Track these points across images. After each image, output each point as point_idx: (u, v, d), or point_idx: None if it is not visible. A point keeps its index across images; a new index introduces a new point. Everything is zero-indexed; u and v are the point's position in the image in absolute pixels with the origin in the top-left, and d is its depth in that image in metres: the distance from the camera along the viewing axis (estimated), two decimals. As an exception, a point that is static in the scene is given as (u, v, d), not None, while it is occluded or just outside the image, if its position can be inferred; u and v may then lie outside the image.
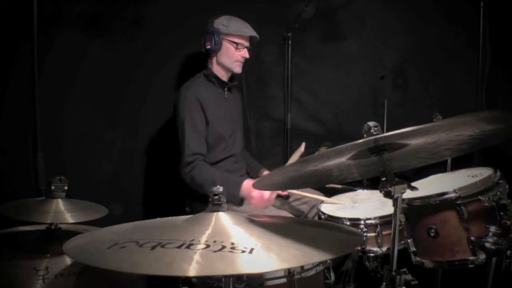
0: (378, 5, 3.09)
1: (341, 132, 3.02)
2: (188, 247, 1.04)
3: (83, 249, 1.16)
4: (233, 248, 1.04)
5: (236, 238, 1.10)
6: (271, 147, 2.97)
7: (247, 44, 2.42)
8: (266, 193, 2.11)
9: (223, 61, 2.41)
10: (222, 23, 2.38)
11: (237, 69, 2.43)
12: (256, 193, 2.11)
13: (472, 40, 3.02)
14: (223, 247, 1.05)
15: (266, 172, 2.58)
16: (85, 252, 1.14)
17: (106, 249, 1.08)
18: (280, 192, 2.39)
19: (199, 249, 1.03)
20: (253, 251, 1.04)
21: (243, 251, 1.03)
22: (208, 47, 2.38)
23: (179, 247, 1.04)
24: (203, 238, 1.09)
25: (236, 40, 2.38)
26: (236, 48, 2.38)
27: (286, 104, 2.90)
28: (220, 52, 2.39)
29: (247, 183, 2.17)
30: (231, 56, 2.39)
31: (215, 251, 1.03)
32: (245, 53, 2.41)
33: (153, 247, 1.05)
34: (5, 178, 2.28)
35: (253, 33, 2.42)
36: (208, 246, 1.05)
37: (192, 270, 0.96)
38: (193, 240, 1.07)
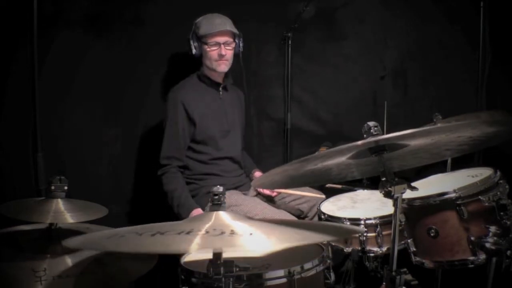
0: (378, 5, 3.08)
1: (341, 132, 3.02)
2: (187, 233, 1.05)
3: (83, 241, 1.17)
4: (232, 233, 1.06)
5: (236, 227, 1.11)
6: (271, 147, 2.97)
7: (223, 40, 2.33)
8: None
9: (206, 63, 2.39)
10: (197, 25, 2.36)
11: (220, 68, 2.37)
12: None
13: (472, 40, 3.02)
14: (223, 232, 1.05)
15: (257, 173, 2.56)
16: (85, 242, 1.15)
17: (106, 239, 1.09)
18: (267, 191, 2.37)
19: (198, 234, 1.04)
20: (253, 235, 1.05)
21: (242, 235, 1.05)
22: (190, 52, 2.38)
23: (179, 233, 1.05)
24: (203, 228, 1.10)
25: (208, 39, 2.33)
26: (209, 47, 2.33)
27: (286, 104, 2.90)
28: (202, 55, 2.38)
29: (197, 211, 2.17)
30: (209, 56, 2.35)
31: (215, 235, 1.04)
32: (221, 50, 2.33)
33: (153, 235, 1.05)
34: (5, 178, 2.29)
35: (223, 28, 2.32)
36: (207, 232, 1.06)
37: (192, 249, 0.96)
38: (192, 229, 1.08)
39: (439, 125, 1.16)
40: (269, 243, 1.01)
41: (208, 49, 2.34)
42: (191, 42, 2.37)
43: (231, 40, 2.37)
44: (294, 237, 1.05)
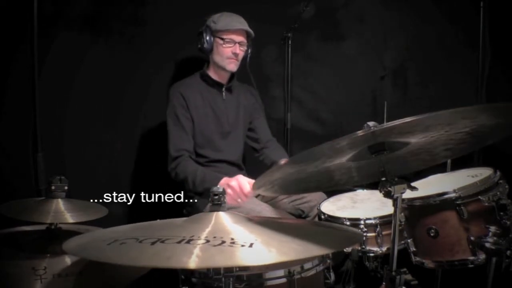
0: (378, 5, 3.09)
1: (341, 132, 3.02)
2: (187, 242, 1.05)
3: (83, 246, 1.16)
4: (233, 243, 1.05)
5: (236, 234, 1.10)
6: (271, 147, 2.97)
7: (239, 39, 2.32)
8: (246, 186, 1.99)
9: (216, 60, 2.35)
10: (213, 20, 2.32)
11: (230, 66, 2.34)
12: (234, 183, 2.01)
13: (472, 40, 3.02)
14: (223, 242, 1.05)
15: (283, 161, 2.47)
16: (85, 248, 1.14)
17: (106, 246, 1.08)
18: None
19: (198, 244, 1.03)
20: (253, 246, 1.04)
21: (242, 245, 1.04)
22: (199, 46, 2.34)
23: (179, 242, 1.05)
24: (203, 235, 1.09)
25: (224, 35, 2.29)
26: (224, 44, 2.30)
27: (286, 104, 2.90)
28: (212, 51, 2.34)
29: (226, 179, 2.09)
30: (221, 53, 2.31)
31: (214, 245, 1.03)
32: (235, 49, 2.31)
33: (153, 243, 1.05)
34: (5, 178, 2.29)
35: (242, 26, 2.31)
36: (208, 241, 1.05)
37: (192, 263, 0.96)
38: (192, 236, 1.08)
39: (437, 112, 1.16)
40: (268, 257, 1.00)
41: (222, 45, 2.31)
42: (204, 35, 2.31)
43: (245, 41, 2.36)
44: (295, 249, 1.05)
